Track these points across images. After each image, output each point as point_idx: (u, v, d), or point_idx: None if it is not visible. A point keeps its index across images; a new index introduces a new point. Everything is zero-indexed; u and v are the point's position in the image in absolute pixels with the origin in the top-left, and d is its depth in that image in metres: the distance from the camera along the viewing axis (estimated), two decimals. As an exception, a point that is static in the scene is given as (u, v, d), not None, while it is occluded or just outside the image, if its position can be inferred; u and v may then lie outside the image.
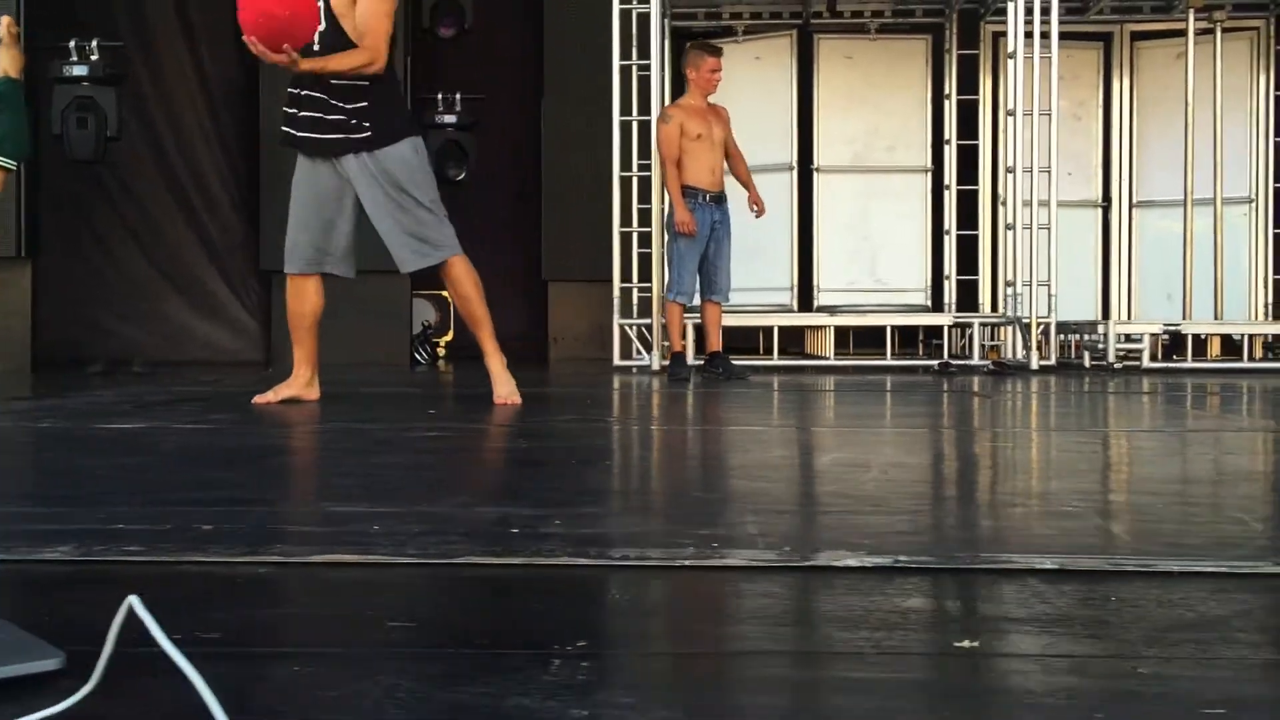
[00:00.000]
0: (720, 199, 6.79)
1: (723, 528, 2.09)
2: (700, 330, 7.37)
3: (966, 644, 1.36)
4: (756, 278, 8.99)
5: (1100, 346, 7.20)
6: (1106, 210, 9.10)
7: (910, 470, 3.04)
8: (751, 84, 9.01)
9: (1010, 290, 7.50)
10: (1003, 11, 8.01)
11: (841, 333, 8.96)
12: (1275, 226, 8.91)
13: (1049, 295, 7.49)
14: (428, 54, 8.90)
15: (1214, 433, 4.01)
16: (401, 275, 8.77)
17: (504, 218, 9.90)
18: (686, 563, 1.76)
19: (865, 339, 9.00)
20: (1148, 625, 1.46)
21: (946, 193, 9.02)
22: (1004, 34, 9.13)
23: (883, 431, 4.13)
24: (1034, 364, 7.11)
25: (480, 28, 9.05)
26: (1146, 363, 7.26)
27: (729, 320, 8.58)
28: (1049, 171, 7.47)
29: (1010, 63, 7.60)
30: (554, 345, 9.79)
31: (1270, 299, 8.90)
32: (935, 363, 7.32)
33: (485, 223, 9.72)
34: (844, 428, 4.28)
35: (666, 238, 7.01)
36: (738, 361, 7.07)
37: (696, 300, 7.10)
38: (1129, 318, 8.91)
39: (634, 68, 8.17)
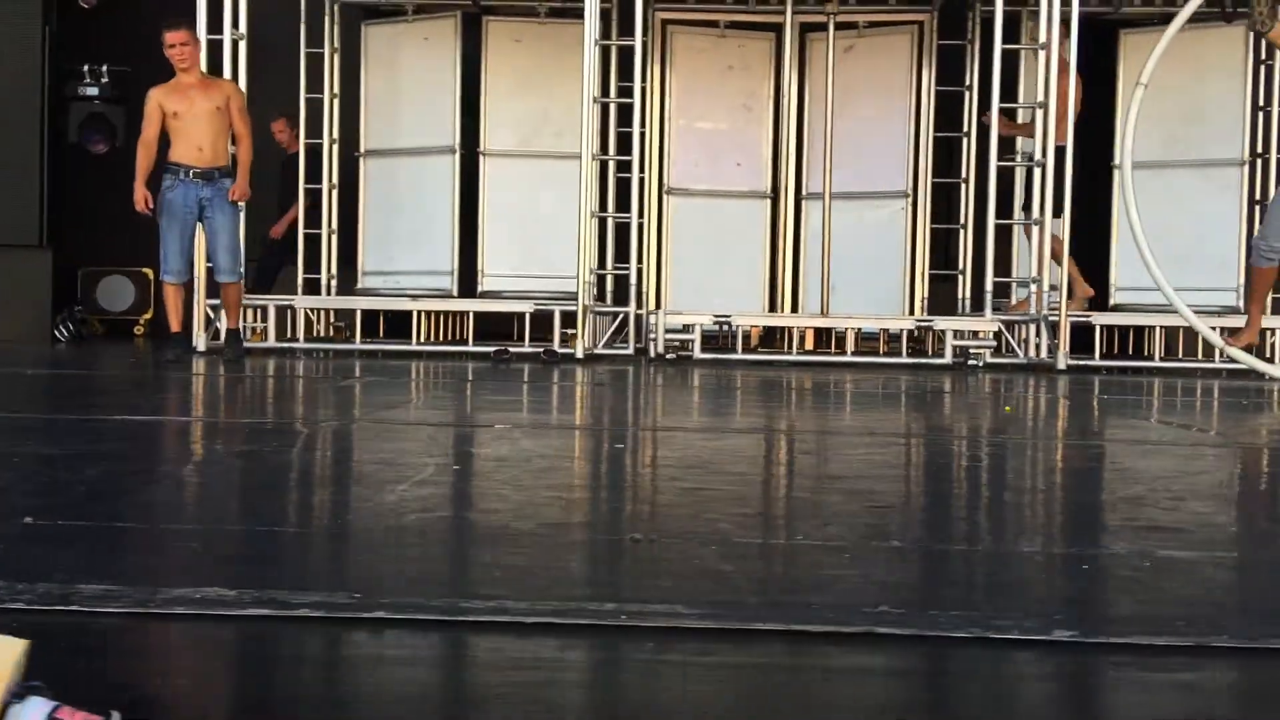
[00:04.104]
0: (209, 176, 6.68)
1: None
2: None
3: None
4: (419, 261, 9.01)
5: (652, 336, 7.18)
6: (776, 202, 9.06)
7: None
8: (420, 65, 8.99)
9: (592, 279, 7.50)
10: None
11: (508, 319, 8.95)
12: (934, 222, 8.87)
13: (631, 285, 7.48)
14: (72, 25, 8.85)
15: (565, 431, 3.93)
16: (42, 249, 8.97)
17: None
18: None
19: (543, 324, 8.96)
20: None
21: (610, 180, 8.99)
22: (671, 21, 9.14)
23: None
24: (579, 353, 7.09)
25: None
26: (698, 354, 7.22)
27: (392, 303, 8.60)
28: (630, 160, 7.46)
29: (594, 49, 7.59)
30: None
31: (926, 294, 8.85)
32: (492, 350, 7.29)
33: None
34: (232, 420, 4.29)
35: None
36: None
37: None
38: (794, 310, 8.88)
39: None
